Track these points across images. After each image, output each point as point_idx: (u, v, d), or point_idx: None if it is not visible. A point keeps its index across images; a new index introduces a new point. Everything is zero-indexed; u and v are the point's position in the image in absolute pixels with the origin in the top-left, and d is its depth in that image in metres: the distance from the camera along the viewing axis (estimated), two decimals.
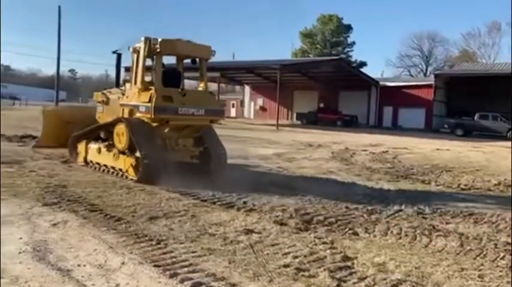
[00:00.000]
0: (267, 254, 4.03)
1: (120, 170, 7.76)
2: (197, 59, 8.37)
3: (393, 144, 18.43)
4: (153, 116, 7.50)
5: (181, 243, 4.22)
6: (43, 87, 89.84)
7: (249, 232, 4.66)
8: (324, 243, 4.40)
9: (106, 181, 7.17)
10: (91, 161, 8.59)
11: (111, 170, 7.99)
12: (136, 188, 6.67)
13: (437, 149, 16.67)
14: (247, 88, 49.30)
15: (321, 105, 40.49)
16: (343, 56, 53.73)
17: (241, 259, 3.84)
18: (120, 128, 7.74)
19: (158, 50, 7.72)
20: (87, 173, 7.79)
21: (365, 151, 15.03)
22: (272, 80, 41.79)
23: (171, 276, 3.41)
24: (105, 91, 9.45)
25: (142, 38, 7.85)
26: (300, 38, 62.07)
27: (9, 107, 40.81)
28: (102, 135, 8.59)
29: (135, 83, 8.02)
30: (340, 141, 18.99)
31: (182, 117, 7.84)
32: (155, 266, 3.60)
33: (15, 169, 7.86)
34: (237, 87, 56.92)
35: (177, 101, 7.75)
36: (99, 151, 8.33)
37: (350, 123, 34.83)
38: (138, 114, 7.82)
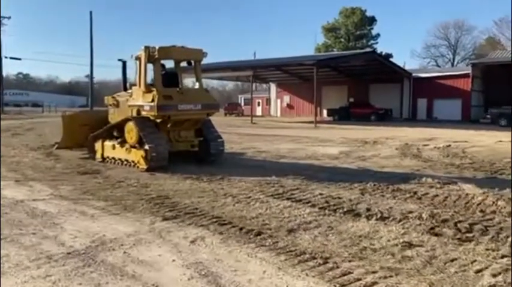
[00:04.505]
0: (456, 272, 3.55)
1: (133, 161, 8.86)
2: (192, 61, 9.45)
3: (448, 137, 17.71)
4: (156, 113, 8.58)
5: (350, 261, 3.78)
6: (62, 94, 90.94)
7: (409, 245, 4.19)
8: (505, 256, 3.90)
9: (204, 189, 6.79)
10: (107, 157, 9.63)
11: (125, 162, 9.07)
12: (241, 196, 6.27)
13: (500, 141, 15.89)
14: (273, 86, 48.76)
15: (351, 100, 39.68)
16: (368, 48, 52.68)
17: (437, 280, 3.38)
18: (130, 126, 8.94)
19: (156, 56, 8.82)
20: (177, 182, 7.42)
21: (426, 145, 14.40)
22: (299, 77, 41.22)
23: None
24: (114, 95, 10.37)
25: (142, 47, 8.90)
26: (322, 33, 61.22)
27: (40, 115, 41.25)
28: (115, 133, 9.67)
29: (140, 86, 9.07)
30: (391, 136, 18.32)
31: (182, 113, 8.89)
32: None
33: (102, 180, 7.57)
34: (255, 85, 56.19)
35: (176, 99, 8.81)
36: (113, 147, 9.42)
37: (384, 117, 33.97)
38: (143, 113, 8.86)
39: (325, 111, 40.66)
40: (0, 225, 4.76)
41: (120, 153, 9.26)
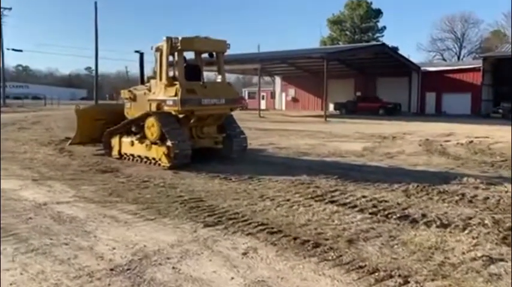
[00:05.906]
0: None
1: (153, 159, 8.40)
2: (214, 53, 8.99)
3: (465, 132, 17.24)
4: (179, 108, 8.14)
5: (432, 280, 3.33)
6: (62, 86, 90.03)
7: (491, 259, 3.74)
8: None
9: (236, 190, 6.33)
10: (125, 154, 9.15)
11: (145, 159, 8.60)
12: (279, 199, 5.81)
13: None
14: (278, 79, 48.16)
15: (358, 93, 39.12)
16: (373, 41, 52.03)
17: None
18: (150, 121, 8.39)
19: (179, 47, 8.31)
20: (205, 181, 6.97)
21: (448, 141, 13.96)
22: (305, 70, 40.59)
23: None
24: (131, 89, 9.87)
25: (164, 38, 8.39)
26: (328, 26, 60.46)
27: (43, 108, 40.69)
28: (133, 129, 9.14)
29: (161, 79, 8.57)
30: (408, 131, 17.85)
31: (205, 108, 8.47)
32: None
33: (124, 179, 7.11)
34: (255, 79, 55.51)
35: (199, 93, 8.41)
36: (132, 143, 8.92)
37: (393, 112, 33.42)
38: (165, 108, 8.38)
39: (331, 105, 40.12)
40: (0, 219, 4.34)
41: (139, 150, 8.77)
